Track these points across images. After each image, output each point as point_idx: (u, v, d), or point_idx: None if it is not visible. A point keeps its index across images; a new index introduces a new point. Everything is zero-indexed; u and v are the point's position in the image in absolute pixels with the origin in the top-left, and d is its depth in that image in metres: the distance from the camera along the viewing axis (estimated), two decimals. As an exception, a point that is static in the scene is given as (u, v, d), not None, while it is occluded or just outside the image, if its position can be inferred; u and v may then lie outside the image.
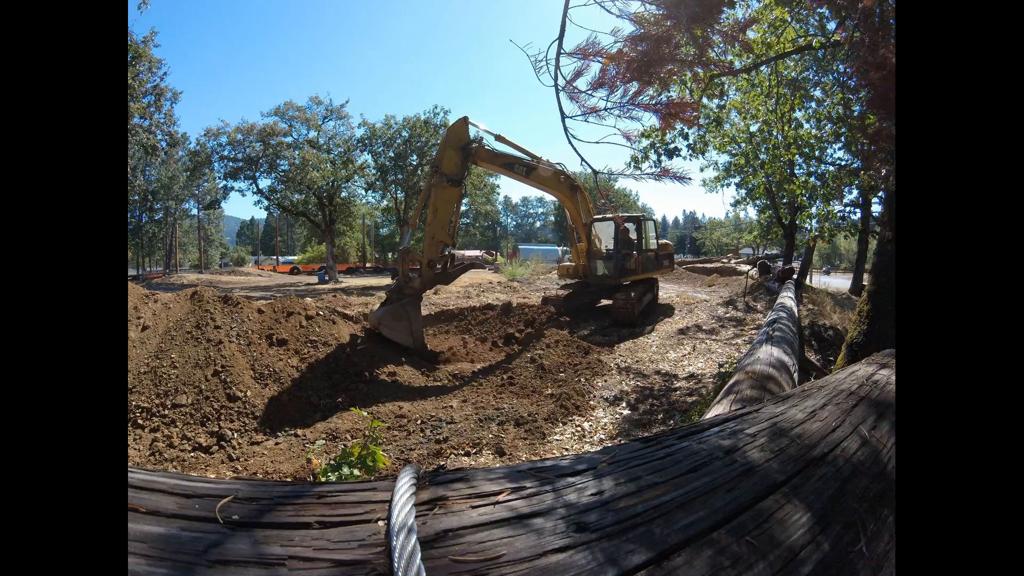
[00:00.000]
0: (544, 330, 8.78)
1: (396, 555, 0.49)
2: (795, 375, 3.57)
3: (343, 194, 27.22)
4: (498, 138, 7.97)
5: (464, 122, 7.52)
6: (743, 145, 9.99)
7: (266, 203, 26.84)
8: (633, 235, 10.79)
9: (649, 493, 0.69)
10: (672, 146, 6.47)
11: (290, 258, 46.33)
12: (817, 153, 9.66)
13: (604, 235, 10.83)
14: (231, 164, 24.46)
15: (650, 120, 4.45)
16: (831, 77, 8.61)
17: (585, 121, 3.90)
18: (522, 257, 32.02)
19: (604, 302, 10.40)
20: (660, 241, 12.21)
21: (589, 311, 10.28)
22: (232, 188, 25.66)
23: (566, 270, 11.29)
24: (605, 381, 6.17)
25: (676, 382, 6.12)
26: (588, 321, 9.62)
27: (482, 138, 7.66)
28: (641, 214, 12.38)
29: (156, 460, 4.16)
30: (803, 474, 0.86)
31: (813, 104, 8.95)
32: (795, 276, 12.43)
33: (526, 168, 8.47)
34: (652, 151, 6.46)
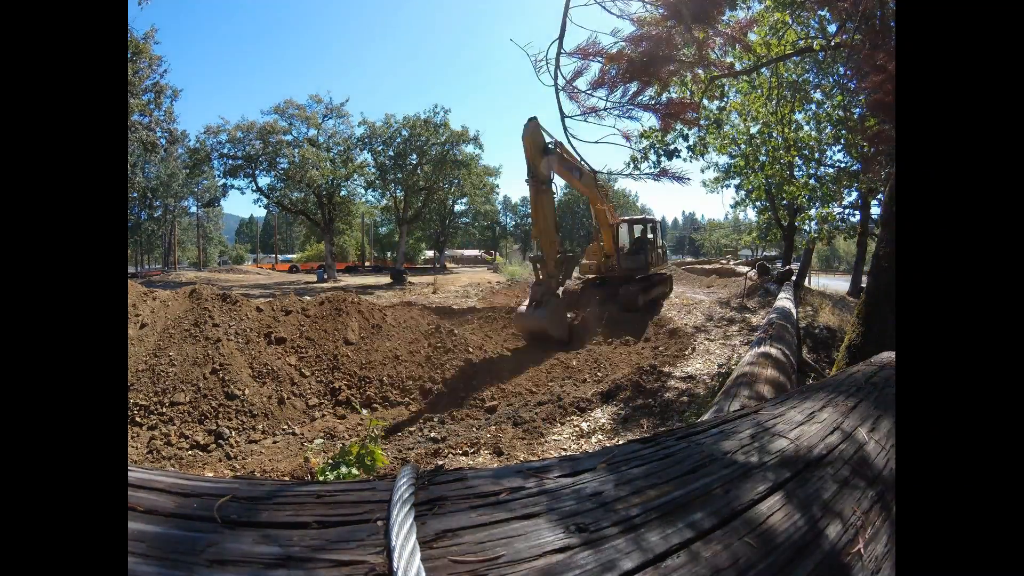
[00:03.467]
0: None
1: (395, 555, 0.49)
2: (793, 376, 3.57)
3: (342, 193, 27.19)
4: (558, 145, 8.12)
5: (538, 125, 7.71)
6: (743, 147, 9.99)
7: (265, 201, 26.84)
8: (649, 235, 12.64)
9: (648, 494, 0.69)
10: (672, 147, 6.46)
11: (289, 256, 46.15)
12: (817, 155, 9.68)
13: (621, 235, 12.42)
14: (230, 162, 24.44)
15: (650, 120, 4.45)
16: (831, 80, 8.62)
17: (584, 121, 3.90)
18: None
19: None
20: None
21: (600, 306, 10.34)
22: (231, 186, 25.69)
23: (588, 267, 12.50)
24: (604, 381, 6.17)
25: (674, 382, 6.12)
26: (597, 319, 9.62)
27: (556, 140, 7.90)
28: (650, 217, 14.59)
29: (154, 458, 4.15)
30: (802, 475, 0.86)
31: (813, 106, 8.97)
32: (794, 278, 12.48)
33: (580, 173, 9.04)
34: (651, 151, 6.44)
